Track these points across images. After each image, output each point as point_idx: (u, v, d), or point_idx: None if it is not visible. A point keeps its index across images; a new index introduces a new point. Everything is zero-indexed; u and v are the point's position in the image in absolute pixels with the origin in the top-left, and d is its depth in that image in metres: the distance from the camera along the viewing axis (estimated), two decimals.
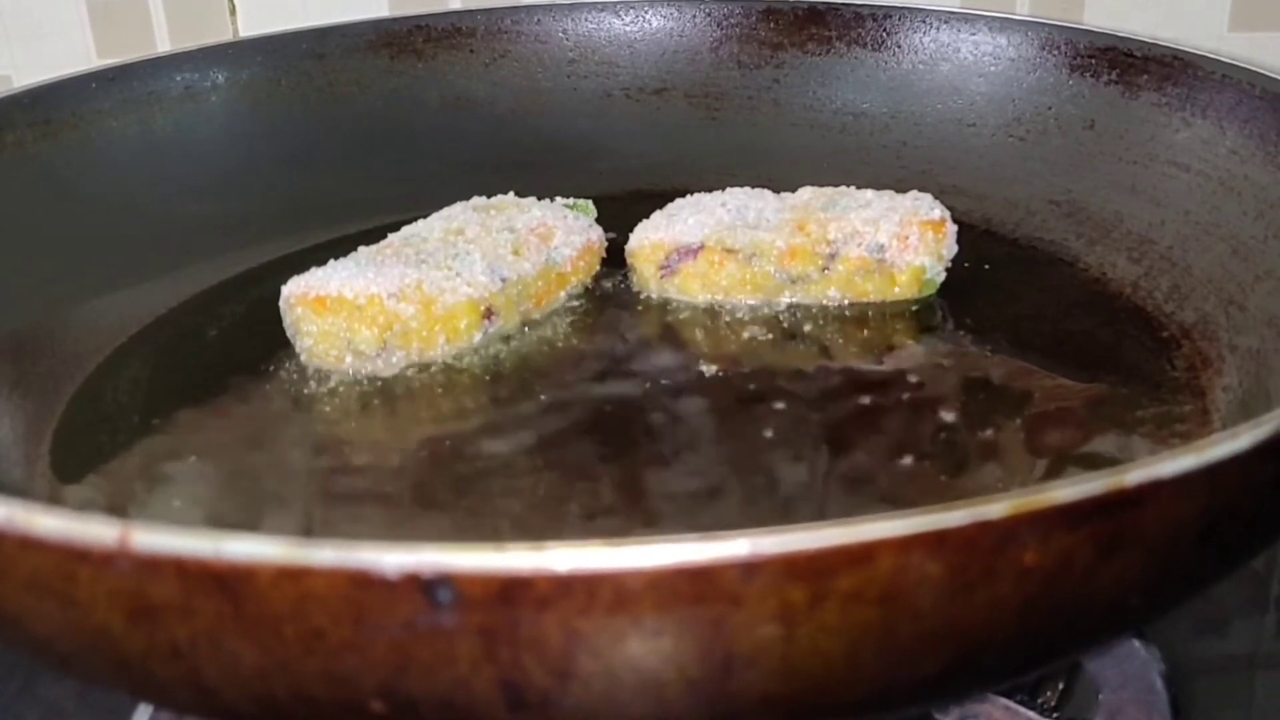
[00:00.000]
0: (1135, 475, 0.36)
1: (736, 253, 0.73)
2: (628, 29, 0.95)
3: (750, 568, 0.34)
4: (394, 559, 0.33)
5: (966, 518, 0.34)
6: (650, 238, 0.76)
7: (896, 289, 0.74)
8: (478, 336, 0.69)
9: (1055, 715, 0.56)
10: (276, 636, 0.35)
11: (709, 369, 0.68)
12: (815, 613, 0.35)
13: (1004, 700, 0.56)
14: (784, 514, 0.57)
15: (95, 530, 0.34)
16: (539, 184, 0.81)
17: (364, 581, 0.33)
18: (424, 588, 0.33)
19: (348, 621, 0.34)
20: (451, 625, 0.34)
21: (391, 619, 0.34)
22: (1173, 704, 0.54)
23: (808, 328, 0.72)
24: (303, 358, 0.69)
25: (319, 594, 0.33)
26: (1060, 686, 0.59)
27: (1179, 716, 0.55)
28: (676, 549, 0.33)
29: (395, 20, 0.96)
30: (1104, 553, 0.37)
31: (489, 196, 0.79)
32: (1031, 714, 0.56)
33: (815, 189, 0.79)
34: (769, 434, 0.62)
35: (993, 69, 0.88)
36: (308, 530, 0.57)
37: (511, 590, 0.33)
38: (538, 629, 0.34)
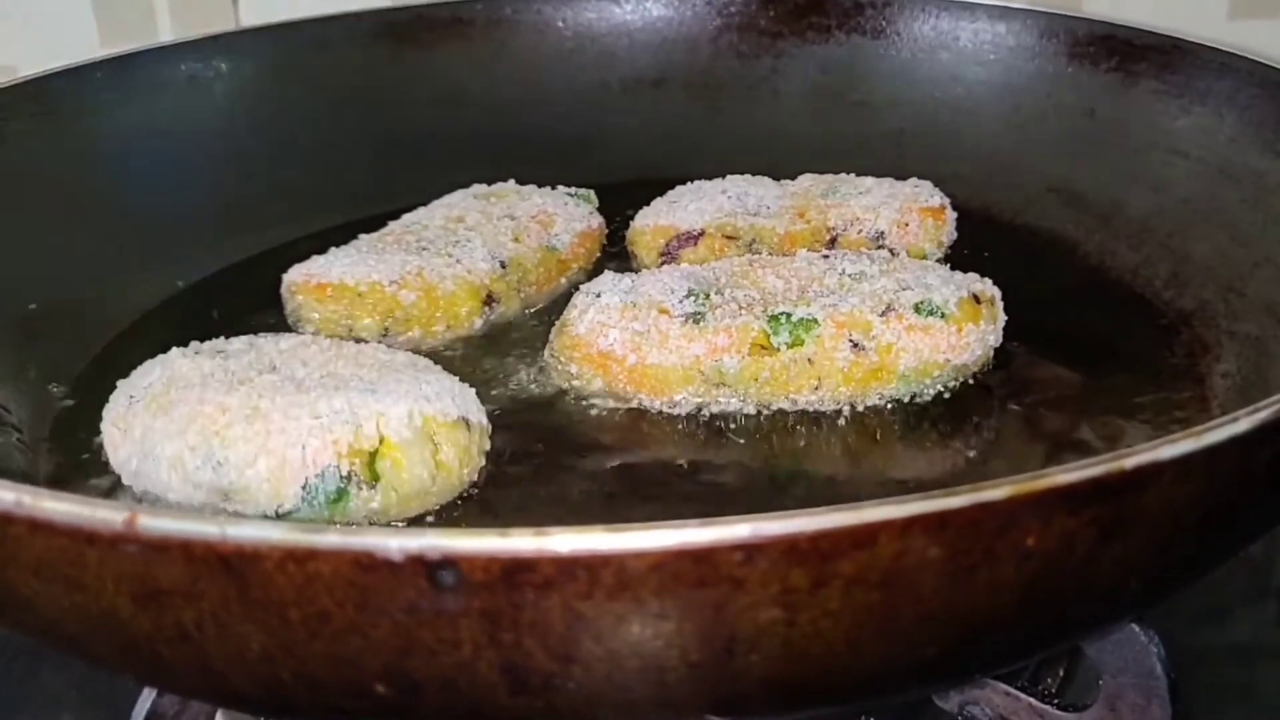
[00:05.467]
0: (1135, 459, 0.36)
1: (737, 239, 0.73)
2: (628, 18, 0.95)
3: (752, 550, 0.34)
4: (398, 542, 0.33)
5: (968, 500, 0.35)
6: (652, 223, 0.76)
7: None
8: (479, 322, 0.69)
9: (1056, 701, 0.56)
10: (282, 619, 0.35)
11: None
12: (817, 596, 0.35)
13: (1004, 686, 0.56)
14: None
15: (103, 513, 0.34)
16: (540, 172, 0.81)
17: (369, 564, 0.33)
18: (428, 570, 0.33)
19: (352, 604, 0.34)
20: (455, 608, 0.34)
21: (395, 602, 0.34)
22: (1172, 689, 0.54)
23: None
24: None
25: (324, 576, 0.34)
26: (1061, 672, 0.59)
27: (1178, 702, 0.55)
28: (678, 532, 0.34)
29: (396, 10, 0.96)
30: (1104, 536, 0.37)
31: (490, 184, 0.79)
32: (1032, 700, 0.56)
33: (815, 176, 0.79)
34: None
35: (992, 57, 0.88)
36: None
37: (514, 573, 0.33)
38: (540, 612, 0.34)
